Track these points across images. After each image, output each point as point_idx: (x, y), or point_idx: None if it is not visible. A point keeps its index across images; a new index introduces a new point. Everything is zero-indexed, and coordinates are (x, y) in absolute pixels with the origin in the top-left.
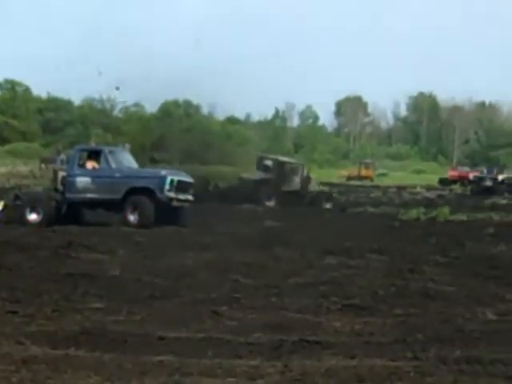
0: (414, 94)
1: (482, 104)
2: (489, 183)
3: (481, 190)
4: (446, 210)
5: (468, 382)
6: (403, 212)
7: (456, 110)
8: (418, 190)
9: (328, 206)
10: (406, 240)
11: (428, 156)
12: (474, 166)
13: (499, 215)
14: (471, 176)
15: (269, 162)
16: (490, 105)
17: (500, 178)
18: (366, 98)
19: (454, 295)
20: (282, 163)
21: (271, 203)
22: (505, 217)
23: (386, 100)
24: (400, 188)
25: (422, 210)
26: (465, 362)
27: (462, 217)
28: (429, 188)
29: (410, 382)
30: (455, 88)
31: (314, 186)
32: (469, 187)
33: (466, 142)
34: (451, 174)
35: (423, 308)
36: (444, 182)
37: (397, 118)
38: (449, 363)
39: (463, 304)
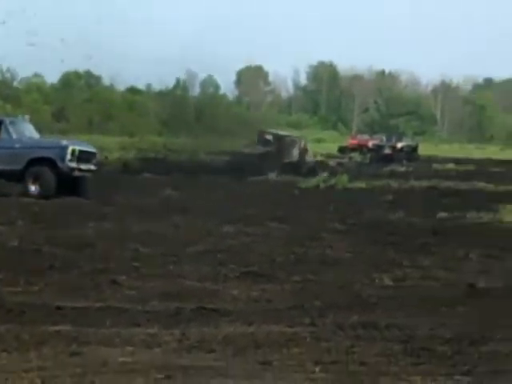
0: (314, 63)
1: (382, 73)
2: (388, 151)
3: (380, 158)
4: (344, 177)
5: (364, 347)
6: (303, 180)
7: (356, 79)
8: (319, 158)
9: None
10: (306, 208)
11: (328, 125)
12: (373, 134)
13: (398, 182)
14: (370, 144)
15: (269, 137)
16: (390, 74)
17: (399, 145)
18: (266, 67)
19: (352, 262)
20: (282, 137)
21: (273, 175)
22: (403, 184)
23: (287, 69)
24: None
25: (322, 178)
26: (361, 328)
27: (361, 184)
28: (329, 156)
29: (306, 348)
30: (355, 57)
31: (310, 157)
32: (368, 155)
33: (366, 110)
34: (351, 142)
35: (321, 275)
36: (343, 150)
37: (297, 86)
38: (345, 329)
39: (361, 270)
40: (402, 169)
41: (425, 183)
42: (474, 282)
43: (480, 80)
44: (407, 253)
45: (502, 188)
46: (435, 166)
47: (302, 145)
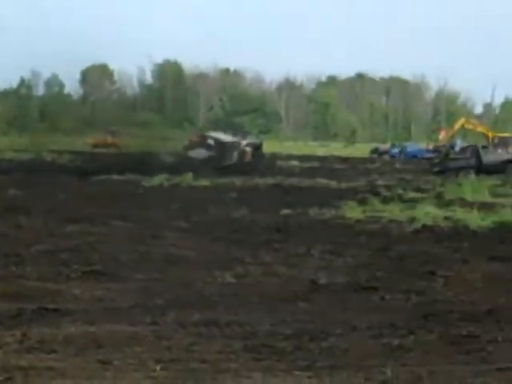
0: (160, 61)
1: (226, 71)
2: None
3: None
4: (189, 176)
5: (204, 345)
6: (147, 179)
7: (200, 77)
8: (163, 156)
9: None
10: (149, 206)
11: (173, 123)
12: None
13: (242, 180)
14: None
15: (211, 141)
16: (235, 71)
17: (243, 143)
18: (112, 66)
19: (195, 260)
20: (223, 143)
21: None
22: (247, 181)
23: (132, 67)
24: (145, 155)
25: (166, 176)
26: (203, 325)
27: (206, 182)
28: (174, 155)
29: (147, 347)
30: (200, 55)
31: (249, 158)
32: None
33: (211, 108)
34: (194, 140)
35: (164, 273)
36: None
37: (142, 85)
38: (187, 327)
39: (204, 268)
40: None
41: (269, 180)
42: (315, 278)
43: (323, 78)
44: (250, 250)
45: (344, 185)
46: (280, 163)
47: (241, 147)
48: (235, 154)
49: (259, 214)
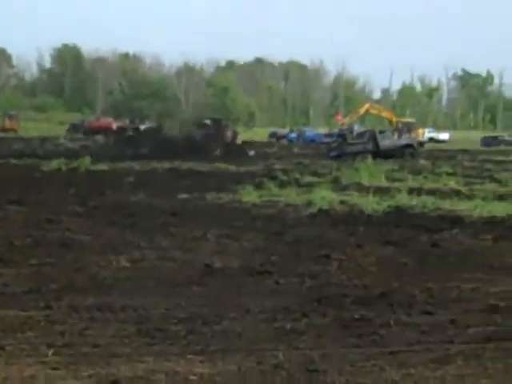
0: (59, 45)
1: (126, 55)
2: (131, 133)
3: (124, 140)
4: (87, 160)
5: (98, 329)
6: (45, 163)
7: (100, 61)
8: (62, 141)
9: (251, 153)
10: (46, 191)
11: (73, 107)
12: (118, 116)
13: (140, 164)
14: (114, 126)
15: (208, 121)
16: (134, 56)
17: (142, 127)
18: (10, 50)
19: (90, 244)
20: (219, 120)
21: (218, 153)
22: (145, 166)
23: (31, 52)
24: (44, 139)
25: (64, 160)
26: (96, 310)
27: (104, 167)
28: (72, 139)
29: (40, 331)
30: (99, 40)
31: (239, 139)
32: (112, 138)
33: (110, 93)
34: (95, 124)
35: (59, 258)
36: (87, 132)
37: (42, 69)
38: (80, 311)
39: (99, 252)
40: (146, 151)
41: (166, 165)
42: (210, 262)
43: (222, 62)
44: (146, 234)
45: (242, 169)
46: None
47: (232, 129)
48: (228, 134)
49: (156, 199)
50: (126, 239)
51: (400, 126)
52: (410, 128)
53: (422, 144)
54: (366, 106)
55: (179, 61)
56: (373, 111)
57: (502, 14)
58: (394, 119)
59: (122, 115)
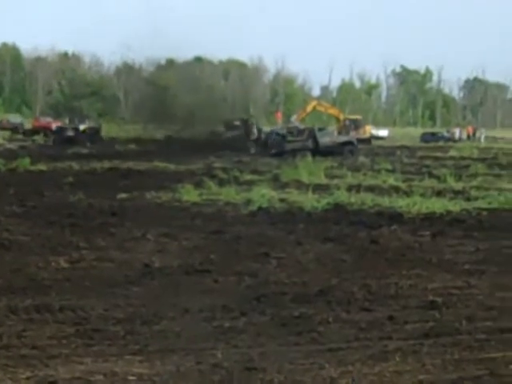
0: None
1: (65, 54)
2: (70, 133)
3: (63, 140)
4: (26, 160)
5: (36, 330)
6: None
7: (39, 60)
8: (0, 141)
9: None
10: None
11: (12, 107)
12: (58, 116)
13: (79, 164)
14: (54, 126)
15: (237, 122)
16: (73, 55)
17: (82, 127)
18: None
19: (29, 245)
20: (246, 120)
21: (253, 150)
22: (85, 166)
23: None
24: None
25: (2, 161)
26: (35, 311)
27: (43, 167)
28: (11, 139)
29: None
30: (38, 38)
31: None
32: (51, 137)
33: (50, 92)
34: (34, 124)
35: None
36: (27, 132)
37: None
38: (18, 312)
39: (37, 253)
40: (85, 151)
41: (106, 164)
42: (149, 262)
43: (162, 61)
44: (85, 234)
45: (182, 168)
46: (118, 147)
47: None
48: (254, 131)
49: (95, 198)
50: (65, 240)
51: (347, 123)
52: (357, 125)
53: (369, 141)
54: (313, 103)
55: (119, 60)
56: (319, 108)
57: (440, 10)
58: (342, 116)
59: (62, 115)
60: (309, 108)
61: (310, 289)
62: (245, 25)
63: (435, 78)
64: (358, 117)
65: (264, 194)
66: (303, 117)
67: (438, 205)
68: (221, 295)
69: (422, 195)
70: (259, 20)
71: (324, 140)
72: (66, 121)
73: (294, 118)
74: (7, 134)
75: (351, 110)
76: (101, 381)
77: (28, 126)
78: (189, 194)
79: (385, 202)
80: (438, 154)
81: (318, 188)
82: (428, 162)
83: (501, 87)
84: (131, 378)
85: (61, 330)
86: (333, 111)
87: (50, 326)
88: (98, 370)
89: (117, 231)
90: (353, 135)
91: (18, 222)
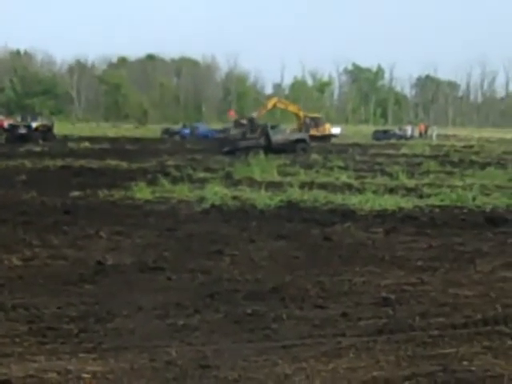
0: None
1: (17, 52)
2: (23, 131)
3: (15, 138)
4: None
5: None
6: None
7: None
8: None
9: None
10: None
11: None
12: (10, 114)
13: (32, 162)
14: (6, 124)
15: (244, 121)
16: (26, 52)
17: (34, 125)
18: None
19: None
20: (252, 119)
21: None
22: (37, 163)
23: None
24: None
25: None
26: None
27: None
28: None
29: None
30: None
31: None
32: (4, 135)
33: (2, 90)
34: None
35: None
36: None
37: None
38: None
39: None
40: (38, 148)
41: (59, 162)
42: (102, 260)
43: (114, 59)
44: (38, 232)
45: (135, 165)
46: (71, 144)
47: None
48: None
49: (48, 196)
50: (18, 238)
51: (307, 120)
52: (317, 123)
53: (329, 138)
54: (274, 100)
55: (71, 58)
56: (280, 106)
57: (391, 8)
58: (302, 114)
59: (14, 113)
60: (269, 105)
61: (264, 286)
62: (196, 23)
63: (387, 75)
64: (319, 115)
65: (217, 192)
66: (263, 114)
67: (390, 202)
68: (174, 293)
69: (375, 192)
70: (212, 18)
71: (276, 138)
72: (19, 118)
73: (254, 114)
74: None
75: (303, 107)
76: (54, 379)
77: None
78: (142, 192)
79: (337, 199)
80: (391, 152)
81: (271, 185)
82: (380, 160)
83: (452, 85)
84: (85, 375)
85: (14, 329)
86: (293, 108)
87: (3, 324)
88: (51, 367)
89: (70, 229)
90: (314, 133)
91: None
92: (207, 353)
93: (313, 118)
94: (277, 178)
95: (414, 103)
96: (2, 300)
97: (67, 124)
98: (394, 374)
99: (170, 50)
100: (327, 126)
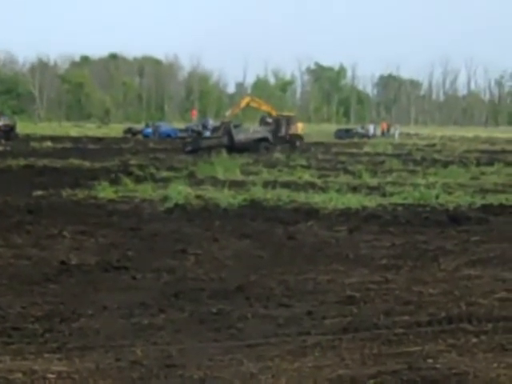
0: None
1: None
2: None
3: None
4: None
5: None
6: None
7: None
8: None
9: (298, 144)
10: None
11: None
12: None
13: None
14: None
15: (269, 119)
16: None
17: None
18: None
19: None
20: (278, 119)
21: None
22: (0, 163)
23: None
24: None
25: None
26: None
27: None
28: None
29: None
30: None
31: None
32: None
33: None
34: None
35: None
36: None
37: None
38: None
39: None
40: (0, 148)
41: (22, 162)
42: (66, 259)
43: (77, 58)
44: (1, 232)
45: (97, 165)
46: (33, 144)
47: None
48: (283, 128)
49: (11, 196)
50: None
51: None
52: (289, 122)
53: (302, 137)
54: (247, 99)
55: (33, 57)
56: (253, 104)
57: (353, 8)
58: (274, 113)
59: None
60: (242, 103)
61: (228, 285)
62: (159, 22)
63: (349, 74)
64: (291, 114)
65: (180, 191)
66: (236, 112)
67: (353, 200)
68: (139, 292)
69: (338, 191)
70: (175, 17)
71: (239, 136)
72: None
73: (227, 113)
74: None
75: None
76: (19, 379)
77: None
78: (105, 191)
79: (301, 197)
80: (353, 150)
81: (234, 184)
82: (343, 158)
83: (414, 84)
84: (50, 375)
85: None
86: (266, 107)
87: None
88: (16, 368)
89: (33, 229)
90: (287, 131)
91: None
92: (172, 352)
93: (285, 117)
94: (240, 176)
95: (377, 102)
96: None
97: (30, 123)
98: (359, 372)
99: (132, 49)
100: (299, 124)
